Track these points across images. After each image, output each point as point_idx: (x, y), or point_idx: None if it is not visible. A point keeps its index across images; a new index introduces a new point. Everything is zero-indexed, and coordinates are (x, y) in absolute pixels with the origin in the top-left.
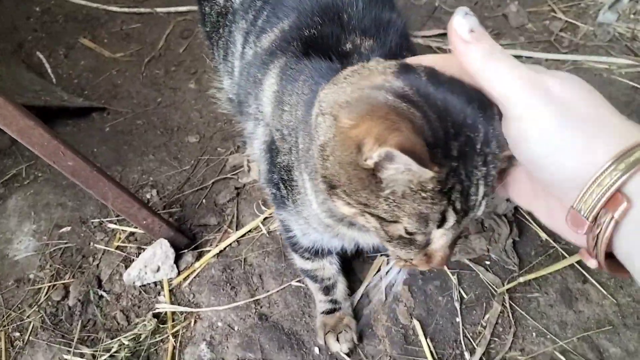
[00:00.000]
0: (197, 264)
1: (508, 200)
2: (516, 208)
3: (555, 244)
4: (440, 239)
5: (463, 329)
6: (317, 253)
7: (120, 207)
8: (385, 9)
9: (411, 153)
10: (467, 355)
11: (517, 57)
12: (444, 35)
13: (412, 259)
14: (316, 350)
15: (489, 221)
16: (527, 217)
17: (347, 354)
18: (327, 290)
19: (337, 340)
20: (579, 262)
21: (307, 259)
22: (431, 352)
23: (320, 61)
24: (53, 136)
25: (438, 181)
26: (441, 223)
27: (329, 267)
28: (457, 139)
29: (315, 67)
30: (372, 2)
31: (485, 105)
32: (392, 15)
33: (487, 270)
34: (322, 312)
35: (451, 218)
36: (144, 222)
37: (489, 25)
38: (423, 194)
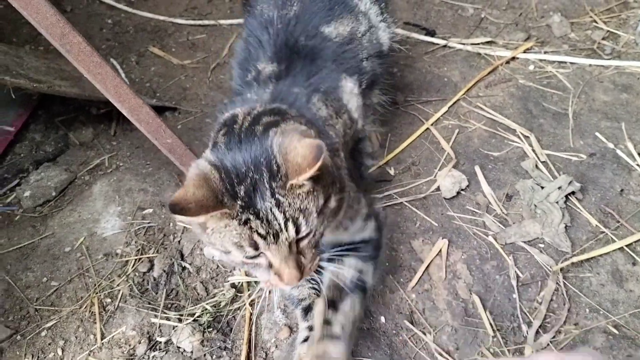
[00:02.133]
0: None
1: (560, 188)
2: (567, 196)
3: (605, 230)
4: (274, 259)
5: (520, 305)
6: None
7: None
8: None
9: (174, 206)
10: (524, 327)
11: (562, 62)
12: (491, 42)
13: (268, 279)
14: (382, 319)
15: (542, 207)
16: (578, 205)
17: (411, 322)
18: (305, 312)
19: None
20: (629, 246)
21: None
22: (490, 324)
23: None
24: (156, 115)
25: (233, 217)
26: (256, 246)
27: (304, 285)
28: (242, 183)
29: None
30: None
31: (268, 155)
32: None
33: (541, 252)
34: (300, 341)
35: (260, 241)
36: None
37: (533, 35)
38: (229, 228)
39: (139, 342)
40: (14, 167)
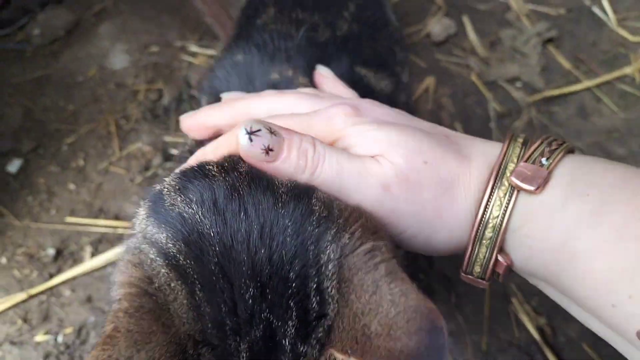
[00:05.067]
0: None
1: (539, 35)
2: (544, 43)
3: (576, 73)
4: None
5: (496, 132)
6: None
7: (215, 13)
8: None
9: None
10: None
11: None
12: None
13: None
14: None
15: (521, 51)
16: (553, 51)
17: None
18: None
19: None
20: (596, 87)
21: None
22: None
23: None
24: None
25: None
26: None
27: None
28: (247, 331)
29: None
30: None
31: (309, 276)
32: None
33: (518, 89)
34: None
35: None
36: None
37: None
38: None
39: (154, 155)
40: (21, 9)
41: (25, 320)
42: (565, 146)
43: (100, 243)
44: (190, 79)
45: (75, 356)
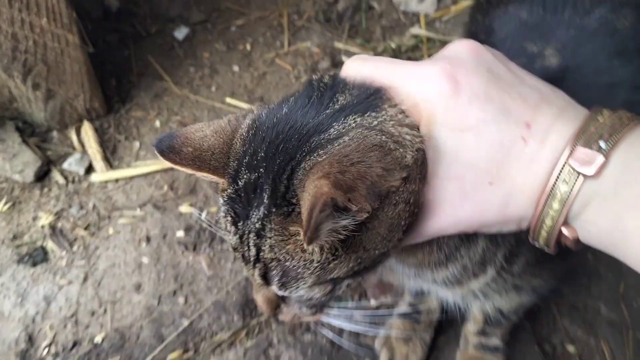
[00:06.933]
0: (453, 8)
1: None
2: None
3: None
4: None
5: None
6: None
7: None
8: None
9: (170, 139)
10: None
11: None
12: None
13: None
14: None
15: None
16: None
17: None
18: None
19: None
20: None
21: None
22: None
23: None
24: None
25: (219, 195)
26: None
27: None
28: (249, 170)
29: None
30: None
31: (301, 155)
32: None
33: None
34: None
35: (227, 236)
36: None
37: None
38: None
39: (322, 59)
40: None
41: (171, 188)
42: (628, 126)
43: None
44: None
45: (217, 236)
